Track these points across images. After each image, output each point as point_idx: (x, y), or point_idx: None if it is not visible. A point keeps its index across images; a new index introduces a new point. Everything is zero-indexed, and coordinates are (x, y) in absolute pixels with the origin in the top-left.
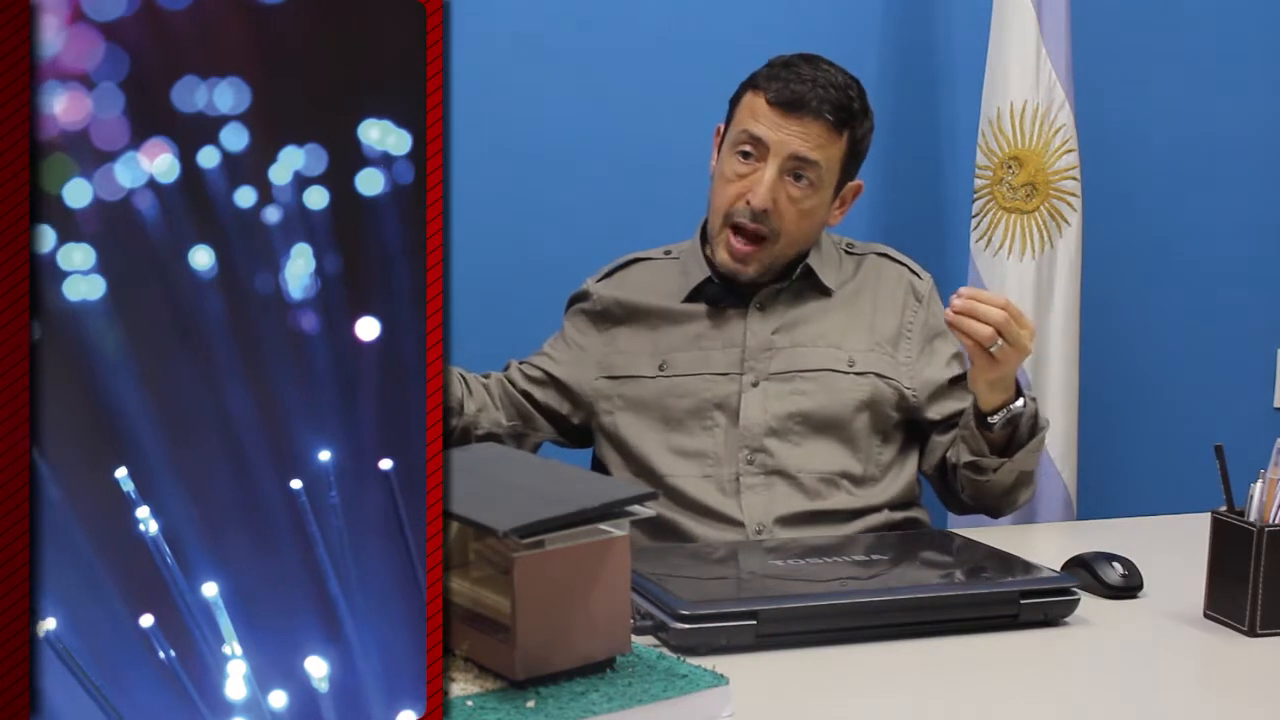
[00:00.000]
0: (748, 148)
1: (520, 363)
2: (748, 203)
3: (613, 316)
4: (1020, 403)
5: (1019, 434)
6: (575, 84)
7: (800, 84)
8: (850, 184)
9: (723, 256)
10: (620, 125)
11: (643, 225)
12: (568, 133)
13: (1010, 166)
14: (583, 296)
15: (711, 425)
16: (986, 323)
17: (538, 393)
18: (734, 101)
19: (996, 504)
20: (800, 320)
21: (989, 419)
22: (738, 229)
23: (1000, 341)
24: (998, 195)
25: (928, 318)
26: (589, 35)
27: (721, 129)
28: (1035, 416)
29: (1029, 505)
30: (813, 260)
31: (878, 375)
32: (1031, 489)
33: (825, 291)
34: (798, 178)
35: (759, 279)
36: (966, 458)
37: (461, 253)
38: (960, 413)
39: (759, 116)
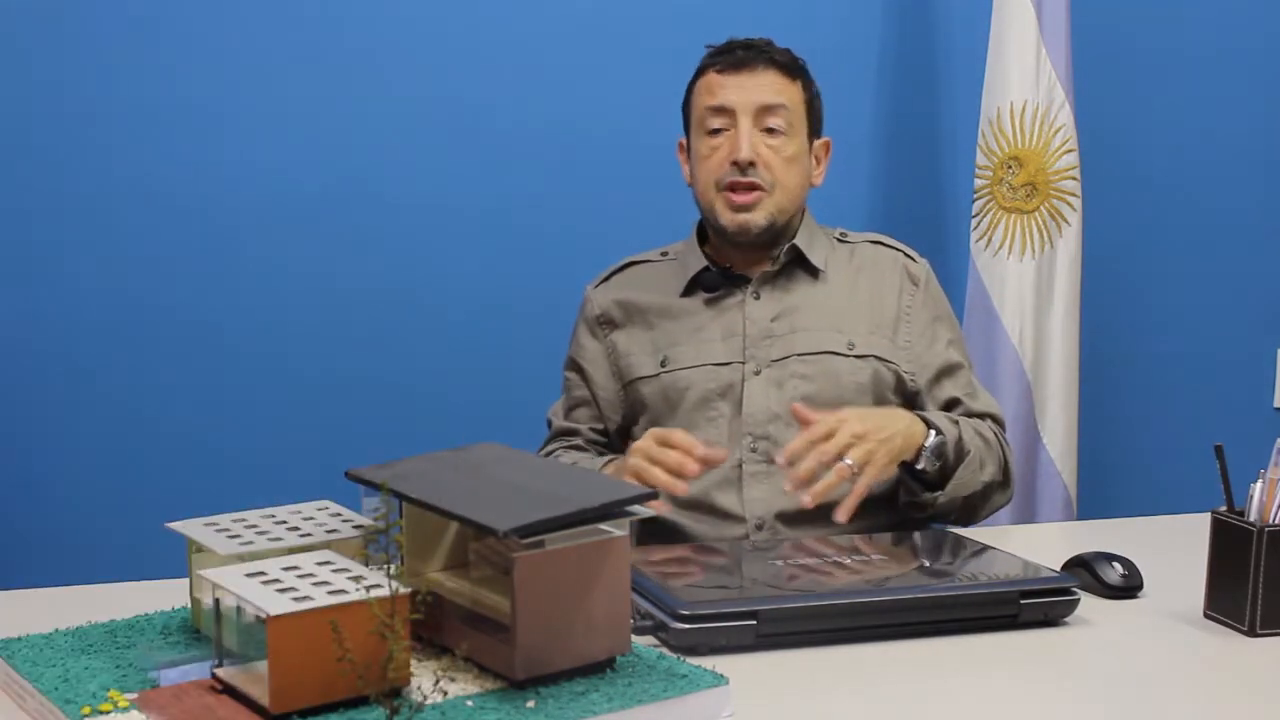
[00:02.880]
0: (714, 122)
1: (566, 416)
2: (734, 162)
3: (611, 320)
4: (931, 438)
5: (948, 464)
6: (577, 85)
7: (743, 48)
8: (819, 141)
9: (727, 217)
10: (622, 126)
11: (642, 226)
12: (568, 134)
13: (1010, 166)
14: (584, 305)
15: (715, 416)
16: (829, 460)
17: (599, 427)
18: (686, 101)
19: (961, 518)
20: (798, 306)
21: (914, 466)
22: (731, 187)
23: (849, 461)
24: (998, 195)
25: (926, 300)
26: (588, 36)
27: (684, 140)
28: (959, 441)
29: (1029, 505)
30: (800, 241)
31: (878, 358)
32: (1001, 495)
33: (814, 272)
34: (770, 131)
35: (766, 234)
36: (905, 498)
37: (458, 255)
38: (957, 399)
39: (715, 89)
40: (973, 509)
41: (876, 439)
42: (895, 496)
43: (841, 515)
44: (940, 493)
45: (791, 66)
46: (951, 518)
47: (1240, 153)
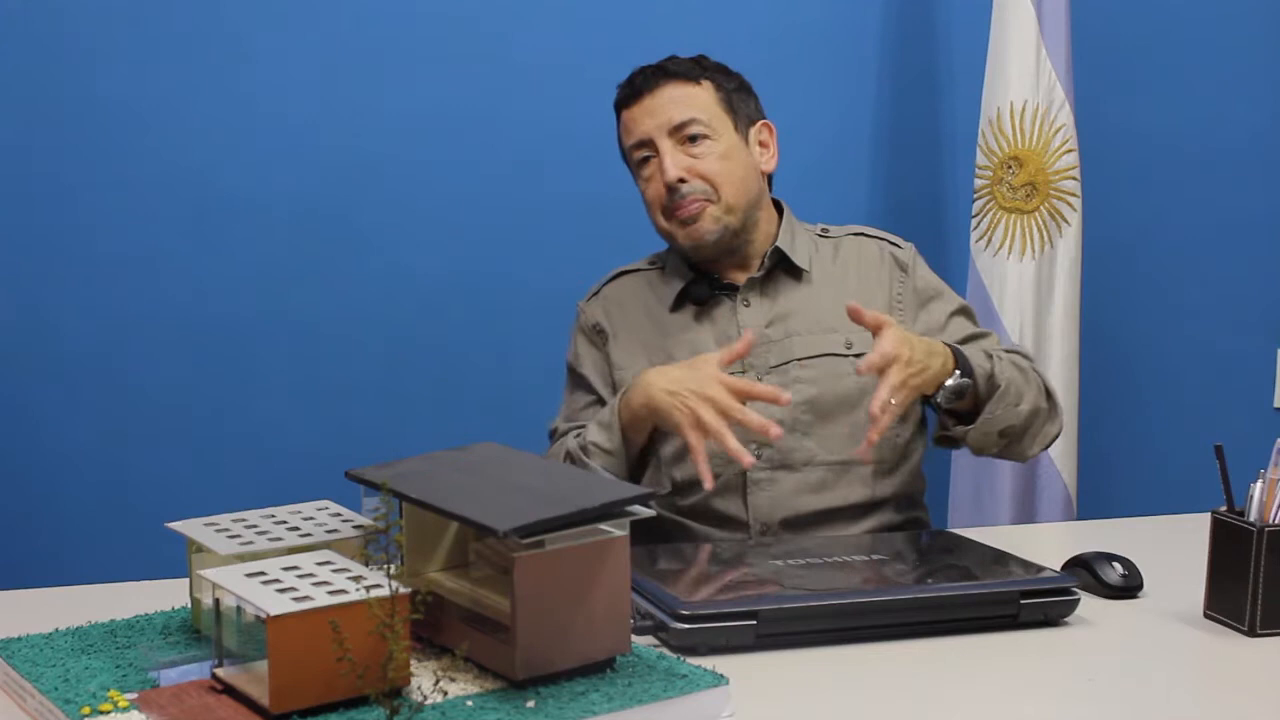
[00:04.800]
0: (639, 154)
1: (568, 418)
2: (665, 188)
3: (604, 333)
4: (954, 379)
5: (980, 398)
6: (578, 87)
7: (636, 76)
8: (756, 126)
9: (680, 236)
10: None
11: (643, 228)
12: (571, 136)
13: (1010, 166)
14: (577, 318)
15: None
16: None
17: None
18: (620, 149)
19: (1007, 454)
20: (790, 310)
21: (933, 400)
22: (675, 208)
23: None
24: (998, 195)
25: (915, 284)
26: (588, 40)
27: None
28: (991, 376)
29: (1029, 505)
30: (783, 243)
31: None
32: (1051, 424)
33: (798, 274)
34: (690, 140)
35: (723, 238)
36: (937, 433)
37: (460, 256)
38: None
39: (629, 126)
40: (1018, 442)
41: (913, 383)
42: (896, 497)
43: (865, 451)
44: (970, 427)
45: (691, 72)
46: (994, 452)
47: (1240, 152)
